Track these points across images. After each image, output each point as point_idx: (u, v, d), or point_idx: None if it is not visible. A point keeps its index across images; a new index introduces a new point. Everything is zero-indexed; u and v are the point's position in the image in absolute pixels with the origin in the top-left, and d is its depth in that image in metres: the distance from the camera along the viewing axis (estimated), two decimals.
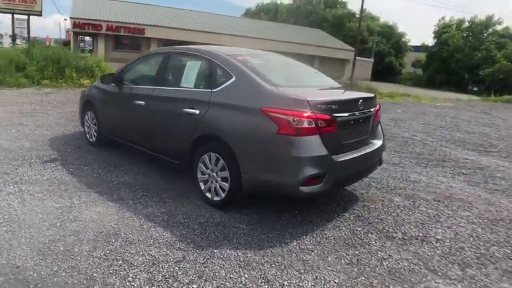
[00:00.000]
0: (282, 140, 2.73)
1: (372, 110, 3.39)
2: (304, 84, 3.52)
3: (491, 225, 3.31)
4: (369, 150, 3.33)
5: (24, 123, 5.86)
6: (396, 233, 3.06)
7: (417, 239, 2.97)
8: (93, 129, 4.90)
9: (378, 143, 3.53)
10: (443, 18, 40.75)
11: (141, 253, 2.50)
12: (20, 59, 10.48)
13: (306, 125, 2.71)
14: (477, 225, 3.31)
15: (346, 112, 2.98)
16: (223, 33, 35.40)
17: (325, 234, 2.95)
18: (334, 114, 2.85)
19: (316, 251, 2.67)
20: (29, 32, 23.84)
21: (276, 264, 2.47)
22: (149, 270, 2.31)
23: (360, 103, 3.11)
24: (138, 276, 2.25)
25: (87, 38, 38.76)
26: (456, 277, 2.48)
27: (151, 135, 3.89)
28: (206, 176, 3.28)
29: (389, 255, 2.69)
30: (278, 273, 2.37)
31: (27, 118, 6.22)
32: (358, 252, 2.71)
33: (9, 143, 4.72)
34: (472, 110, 14.06)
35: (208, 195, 3.29)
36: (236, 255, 2.54)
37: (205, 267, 2.39)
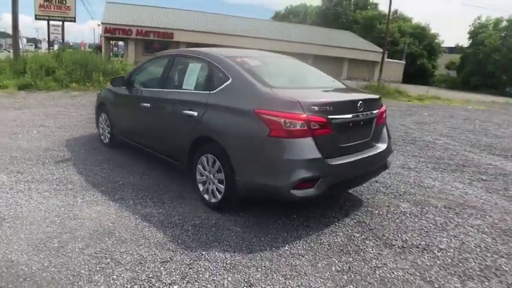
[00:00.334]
0: (273, 142, 2.69)
1: (375, 112, 3.27)
2: (304, 86, 3.45)
3: (503, 236, 3.09)
4: (370, 153, 3.21)
5: (46, 124, 6.16)
6: (396, 240, 2.92)
7: (418, 247, 2.82)
8: (107, 131, 5.07)
9: (381, 146, 3.39)
10: (479, 18, 38.83)
11: (130, 252, 2.54)
12: (50, 64, 11.05)
13: (297, 127, 2.65)
14: (488, 235, 3.10)
15: (342, 114, 2.88)
16: (250, 36, 35.66)
17: (320, 239, 2.86)
18: (329, 116, 2.77)
19: (307, 257, 2.60)
20: (63, 37, 25.14)
21: (263, 268, 2.43)
22: (134, 269, 2.34)
23: (359, 105, 3.00)
24: (122, 275, 2.28)
25: (120, 43, 40.36)
26: None
27: (155, 137, 3.97)
28: (204, 177, 3.29)
29: (384, 264, 2.56)
30: (263, 277, 2.33)
31: (50, 120, 6.54)
32: (351, 259, 2.61)
33: (28, 143, 4.98)
34: (506, 113, 13.29)
35: (206, 196, 3.30)
36: (223, 257, 2.52)
37: (190, 268, 2.39)
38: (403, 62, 38.08)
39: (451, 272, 2.50)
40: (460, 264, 2.61)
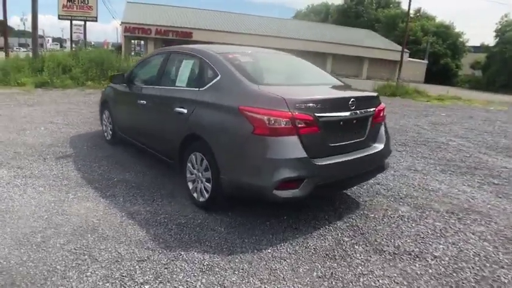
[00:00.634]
0: (257, 140, 2.60)
1: (370, 110, 3.12)
2: (295, 83, 3.34)
3: (507, 244, 2.88)
4: (365, 154, 3.06)
5: (55, 121, 6.30)
6: (388, 246, 2.77)
7: (410, 254, 2.66)
8: (109, 128, 5.12)
9: (378, 146, 3.24)
10: (506, 16, 37.20)
11: (109, 249, 2.52)
12: (67, 62, 11.34)
13: (282, 125, 2.55)
14: (490, 243, 2.89)
15: (332, 112, 2.76)
16: (270, 35, 35.57)
17: (307, 242, 2.75)
18: (316, 114, 2.65)
19: (289, 260, 2.50)
20: (85, 37, 25.81)
21: (240, 271, 2.35)
22: (110, 267, 2.31)
23: (350, 102, 2.86)
24: (96, 272, 2.26)
25: (142, 42, 41.17)
26: None
27: (150, 134, 3.96)
28: (193, 176, 3.24)
29: (371, 271, 2.43)
30: (238, 281, 2.25)
31: (60, 117, 6.68)
32: (335, 265, 2.48)
33: (33, 139, 5.09)
34: None
35: (195, 195, 3.24)
36: (202, 258, 2.46)
37: (165, 268, 2.34)
38: (426, 61, 37.01)
39: (443, 283, 2.34)
40: (454, 274, 2.44)
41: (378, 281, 2.33)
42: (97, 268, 2.30)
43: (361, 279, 2.33)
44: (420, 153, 5.72)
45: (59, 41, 52.99)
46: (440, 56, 37.93)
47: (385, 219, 3.23)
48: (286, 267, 2.42)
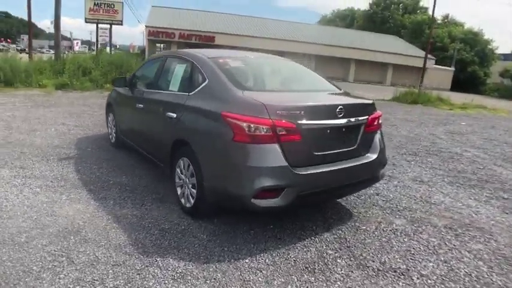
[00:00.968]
0: (236, 147, 2.55)
1: (362, 118, 3.00)
2: (284, 89, 3.28)
3: (503, 265, 2.69)
4: (355, 164, 2.95)
5: (66, 123, 6.50)
6: (373, 261, 2.64)
7: (395, 271, 2.53)
8: (113, 131, 5.21)
9: (371, 156, 3.11)
10: None
11: (87, 252, 2.54)
12: (87, 65, 11.71)
13: (262, 132, 2.50)
14: (485, 262, 2.71)
15: (316, 120, 2.67)
16: (292, 40, 35.57)
17: (288, 254, 2.67)
18: (299, 122, 2.57)
19: (265, 272, 2.43)
20: (110, 40, 26.65)
21: (212, 280, 2.31)
22: (84, 270, 2.33)
23: (338, 110, 2.76)
24: (70, 275, 2.28)
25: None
26: None
27: (146, 138, 4.00)
28: (181, 181, 3.24)
29: None
30: None
31: (71, 119, 6.89)
32: (313, 279, 2.39)
33: (41, 140, 5.26)
34: None
35: (182, 201, 3.23)
36: (176, 266, 2.44)
37: (138, 274, 2.33)
38: (452, 68, 35.82)
39: None
40: None
41: None
42: (71, 271, 2.32)
43: None
44: (430, 163, 5.48)
45: (88, 43, 55.03)
46: (467, 63, 36.60)
47: (376, 233, 3.10)
48: (260, 279, 2.35)
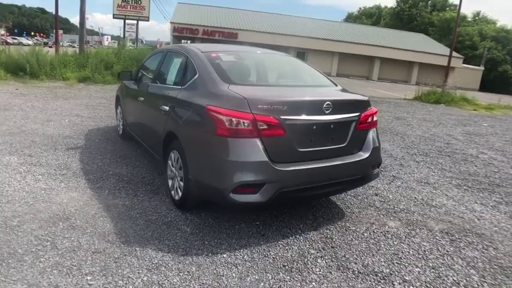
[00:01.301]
0: (218, 141, 2.55)
1: (352, 115, 2.91)
2: (275, 83, 3.22)
3: (498, 275, 2.53)
4: (343, 162, 2.87)
5: (81, 114, 6.71)
6: (356, 263, 2.56)
7: (377, 275, 2.44)
8: (121, 123, 5.34)
9: (362, 155, 3.02)
10: None
11: (72, 239, 2.61)
12: (109, 59, 12.03)
13: (242, 126, 2.47)
14: (477, 270, 2.56)
15: (301, 115, 2.61)
16: (317, 38, 35.14)
17: (268, 251, 2.64)
18: (281, 117, 2.53)
19: (240, 268, 2.41)
20: (136, 35, 27.32)
21: (186, 273, 2.32)
22: (64, 255, 2.40)
23: (325, 106, 2.69)
24: (50, 259, 2.35)
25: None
26: None
27: (145, 130, 4.07)
28: (172, 174, 3.27)
29: None
30: (179, 283, 2.22)
31: (87, 110, 7.11)
32: (288, 277, 2.35)
33: (53, 130, 5.46)
34: None
35: (173, 193, 3.27)
36: (153, 256, 2.46)
37: (115, 262, 2.37)
38: (482, 68, 34.15)
39: None
40: None
41: None
42: (52, 255, 2.40)
43: None
44: (440, 164, 5.26)
45: (118, 39, 56.71)
46: (498, 62, 34.84)
47: (365, 234, 3.00)
48: (234, 274, 2.34)
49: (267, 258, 2.55)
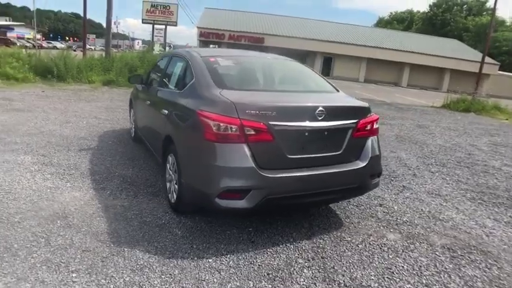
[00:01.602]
0: (206, 146, 2.56)
1: (349, 122, 2.83)
2: (271, 89, 3.20)
3: None
4: (338, 170, 2.79)
5: (99, 116, 6.96)
6: (343, 276, 2.48)
7: None
8: (133, 126, 5.49)
9: (359, 163, 2.92)
10: None
11: (66, 237, 2.70)
12: (134, 63, 12.42)
13: (229, 131, 2.47)
14: None
15: (291, 121, 2.57)
16: (342, 42, 34.73)
17: (255, 258, 2.61)
18: (270, 122, 2.50)
19: (223, 273, 2.40)
20: (165, 40, 28.11)
21: (168, 276, 2.33)
22: (55, 252, 2.48)
23: (318, 112, 2.63)
24: (41, 255, 2.44)
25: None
26: None
27: (149, 133, 4.15)
28: (170, 177, 3.31)
29: None
30: (159, 285, 2.24)
31: (106, 113, 7.36)
32: (270, 286, 2.31)
33: (70, 131, 5.69)
34: None
35: (170, 196, 3.31)
36: (139, 257, 2.50)
37: (102, 261, 2.43)
38: None
39: None
40: None
41: None
42: (45, 252, 2.48)
43: None
44: (456, 176, 5.01)
45: (148, 43, 58.70)
46: None
47: (360, 246, 2.90)
48: (215, 280, 2.33)
49: (252, 266, 2.52)
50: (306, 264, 2.59)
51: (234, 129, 2.46)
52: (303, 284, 2.36)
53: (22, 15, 79.00)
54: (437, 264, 2.71)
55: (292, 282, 2.37)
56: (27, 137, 5.18)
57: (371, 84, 31.61)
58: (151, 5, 25.47)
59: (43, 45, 41.76)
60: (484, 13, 42.35)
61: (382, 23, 60.62)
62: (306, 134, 2.66)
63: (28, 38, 47.36)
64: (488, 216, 3.70)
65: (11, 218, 2.91)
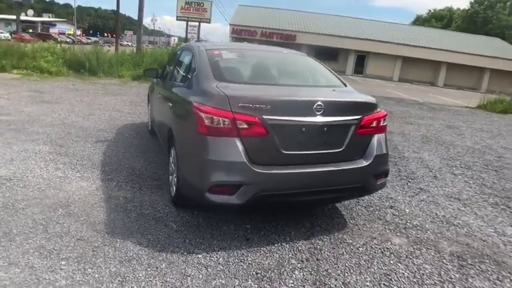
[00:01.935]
0: (199, 139, 2.51)
1: (351, 118, 2.68)
2: (273, 82, 3.09)
3: None
4: (337, 168, 2.65)
5: (122, 110, 7.15)
6: (336, 280, 2.35)
7: None
8: (150, 119, 5.57)
9: (361, 162, 2.76)
10: None
11: (64, 225, 2.76)
12: (163, 58, 12.66)
13: (221, 124, 2.41)
14: None
15: (286, 115, 2.46)
16: (376, 40, 33.71)
17: (246, 256, 2.54)
18: (264, 116, 2.41)
19: (210, 270, 2.35)
20: (198, 36, 28.61)
21: (153, 269, 2.31)
22: (50, 239, 2.54)
23: (315, 106, 2.50)
24: (36, 242, 2.51)
25: None
26: None
27: (160, 126, 4.18)
28: (172, 170, 3.30)
29: None
30: (143, 277, 2.22)
31: (129, 106, 7.55)
32: (255, 286, 2.23)
33: (91, 123, 5.87)
34: None
35: (171, 189, 3.30)
36: (130, 249, 2.51)
37: (92, 250, 2.46)
38: None
39: None
40: None
41: None
42: (40, 238, 2.55)
43: None
44: (481, 179, 4.66)
45: (184, 40, 60.29)
46: None
47: (361, 249, 2.75)
48: (201, 276, 2.28)
49: (241, 264, 2.45)
50: (299, 265, 2.48)
51: (226, 123, 2.40)
52: (291, 286, 2.25)
53: (65, 12, 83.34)
54: (442, 273, 2.51)
55: (280, 283, 2.28)
56: (50, 127, 5.40)
57: (405, 84, 30.38)
58: (186, 2, 25.96)
59: (82, 40, 43.75)
60: None
61: (420, 21, 58.15)
62: (303, 129, 2.54)
63: (68, 34, 49.99)
64: (510, 224, 3.39)
65: (17, 204, 3.02)
